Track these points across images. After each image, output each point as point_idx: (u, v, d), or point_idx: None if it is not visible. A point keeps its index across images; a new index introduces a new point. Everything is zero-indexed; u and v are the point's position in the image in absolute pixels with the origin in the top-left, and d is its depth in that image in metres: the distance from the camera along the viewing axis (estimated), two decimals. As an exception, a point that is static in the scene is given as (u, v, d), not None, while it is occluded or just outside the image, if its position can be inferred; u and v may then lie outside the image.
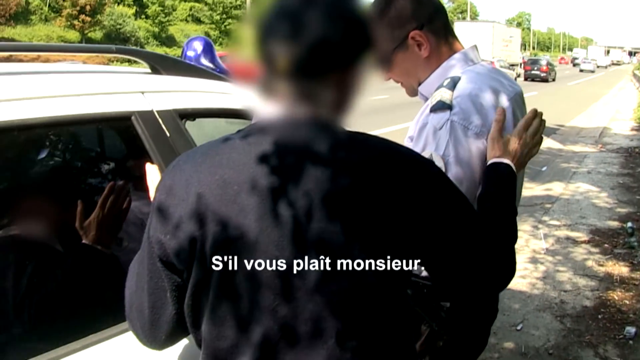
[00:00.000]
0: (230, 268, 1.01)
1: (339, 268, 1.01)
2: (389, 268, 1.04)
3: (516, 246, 4.59)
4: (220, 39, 52.72)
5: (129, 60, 2.00)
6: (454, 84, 1.57)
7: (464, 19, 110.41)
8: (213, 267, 1.02)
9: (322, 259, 1.01)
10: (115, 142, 1.79)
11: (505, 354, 3.74)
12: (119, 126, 1.67)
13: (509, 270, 1.23)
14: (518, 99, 1.65)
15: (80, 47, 1.97)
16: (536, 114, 1.53)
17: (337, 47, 1.05)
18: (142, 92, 1.64)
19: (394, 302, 1.11)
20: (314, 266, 1.01)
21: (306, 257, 1.01)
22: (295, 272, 1.01)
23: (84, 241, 1.53)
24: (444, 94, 1.55)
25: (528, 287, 4.72)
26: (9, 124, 1.37)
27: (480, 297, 1.41)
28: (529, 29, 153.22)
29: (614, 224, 6.47)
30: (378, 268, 1.03)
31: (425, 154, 1.49)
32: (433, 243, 1.10)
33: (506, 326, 4.05)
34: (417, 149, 1.53)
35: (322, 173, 1.01)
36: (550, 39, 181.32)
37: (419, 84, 1.71)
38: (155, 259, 1.07)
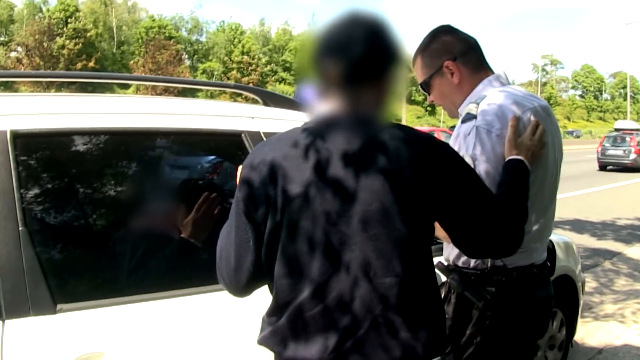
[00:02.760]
0: (295, 219, 1.39)
1: (378, 218, 1.37)
2: (419, 226, 1.41)
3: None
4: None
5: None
6: (480, 100, 1.94)
7: (626, 94, 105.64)
8: (283, 218, 1.40)
9: (363, 210, 1.37)
10: (227, 154, 2.30)
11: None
12: (232, 141, 2.17)
13: (516, 239, 1.54)
14: (539, 111, 1.95)
15: (205, 82, 2.56)
16: (538, 124, 1.87)
17: (370, 62, 1.46)
18: (252, 117, 2.15)
19: (424, 253, 1.45)
20: (358, 218, 1.37)
21: (352, 210, 1.37)
22: (343, 222, 1.36)
23: (182, 235, 2.07)
24: (471, 108, 1.92)
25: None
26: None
27: (489, 257, 1.73)
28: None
29: None
30: (411, 225, 1.38)
31: None
32: (453, 208, 1.45)
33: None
34: None
35: (356, 148, 1.39)
36: None
37: (457, 107, 2.08)
38: (241, 215, 1.47)
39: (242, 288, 1.55)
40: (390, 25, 1.50)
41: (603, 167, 24.13)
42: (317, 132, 1.43)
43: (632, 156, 23.68)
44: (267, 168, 1.42)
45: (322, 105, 1.50)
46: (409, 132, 1.45)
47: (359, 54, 1.44)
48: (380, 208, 1.36)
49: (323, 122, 1.46)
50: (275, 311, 1.45)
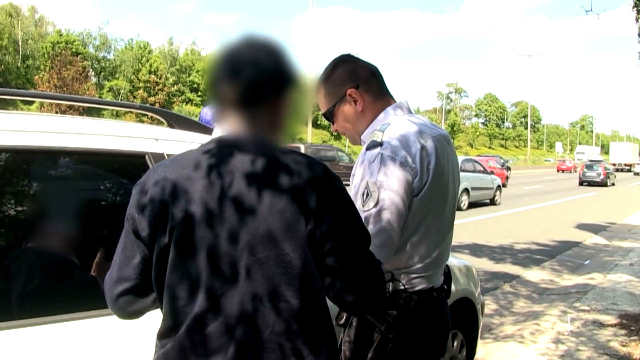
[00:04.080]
0: (183, 240, 1.38)
1: (265, 242, 1.37)
2: (307, 251, 1.40)
3: (540, 328, 4.74)
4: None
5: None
6: (384, 128, 1.99)
7: (527, 123, 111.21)
8: (171, 239, 1.38)
9: (251, 234, 1.37)
10: (131, 176, 2.25)
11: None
12: (135, 162, 2.14)
13: (379, 295, 1.55)
14: (442, 139, 2.03)
15: (111, 102, 2.51)
16: None
17: (264, 85, 1.48)
18: (156, 139, 2.12)
19: (313, 278, 1.42)
20: (246, 241, 1.37)
21: (240, 233, 1.37)
22: (232, 245, 1.37)
23: (92, 273, 2.04)
24: (376, 135, 1.97)
25: (545, 363, 4.82)
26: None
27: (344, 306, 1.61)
28: (592, 132, 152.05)
29: (647, 310, 6.45)
30: (298, 250, 1.38)
31: (363, 183, 1.90)
32: (327, 241, 1.43)
33: (515, 395, 4.18)
34: (357, 179, 1.94)
35: (248, 171, 1.40)
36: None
37: (360, 134, 2.13)
38: (130, 234, 1.46)
39: (120, 307, 1.52)
40: (285, 48, 1.53)
41: (581, 183, 38.72)
42: (210, 154, 1.44)
43: (601, 177, 38.96)
44: (159, 189, 1.42)
45: (219, 127, 1.52)
46: (302, 158, 1.47)
47: (252, 77, 1.47)
48: (266, 232, 1.37)
49: (216, 144, 1.46)
50: (165, 334, 1.44)
